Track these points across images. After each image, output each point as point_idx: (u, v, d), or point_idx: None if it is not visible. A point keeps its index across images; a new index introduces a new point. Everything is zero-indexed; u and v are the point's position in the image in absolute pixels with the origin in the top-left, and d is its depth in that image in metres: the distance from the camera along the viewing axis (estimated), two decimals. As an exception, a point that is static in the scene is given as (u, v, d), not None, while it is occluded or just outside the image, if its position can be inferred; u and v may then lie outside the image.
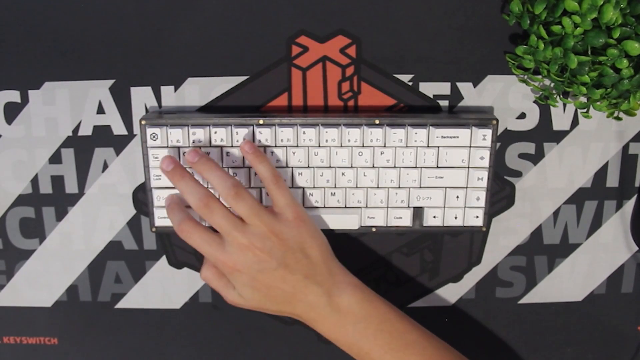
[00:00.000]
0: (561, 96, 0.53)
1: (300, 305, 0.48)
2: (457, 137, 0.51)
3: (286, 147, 0.52)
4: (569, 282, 0.60)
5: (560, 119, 0.55)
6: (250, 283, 0.47)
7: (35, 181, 0.56)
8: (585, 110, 0.52)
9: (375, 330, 0.48)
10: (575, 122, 0.55)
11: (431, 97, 0.54)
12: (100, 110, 0.55)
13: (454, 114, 0.54)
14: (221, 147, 0.52)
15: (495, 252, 0.58)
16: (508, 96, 0.54)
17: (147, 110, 0.55)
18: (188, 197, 0.47)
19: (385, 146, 0.52)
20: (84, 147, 0.55)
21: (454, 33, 0.53)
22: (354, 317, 0.48)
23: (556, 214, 0.57)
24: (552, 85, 0.51)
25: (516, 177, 0.56)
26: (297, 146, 0.52)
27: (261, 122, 0.51)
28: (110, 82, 0.54)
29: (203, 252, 0.47)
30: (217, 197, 0.48)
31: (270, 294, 0.48)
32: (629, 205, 0.58)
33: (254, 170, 0.52)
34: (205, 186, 0.49)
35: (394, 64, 0.54)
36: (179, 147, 0.51)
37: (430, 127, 0.51)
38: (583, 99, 0.52)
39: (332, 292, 0.48)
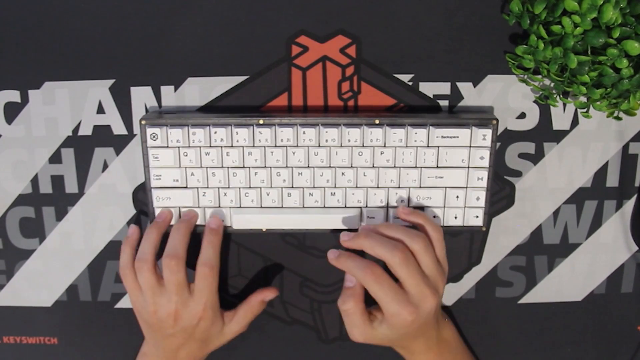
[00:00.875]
0: (561, 96, 0.53)
1: (419, 341, 0.51)
2: (457, 137, 0.51)
3: (286, 147, 0.52)
4: (569, 282, 0.60)
5: (560, 118, 0.55)
6: (408, 332, 0.49)
7: (35, 181, 0.56)
8: (585, 110, 0.52)
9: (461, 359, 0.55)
10: (575, 122, 0.55)
11: (431, 97, 0.54)
12: (100, 110, 0.55)
13: (454, 114, 0.54)
14: (221, 147, 0.52)
15: (495, 252, 0.58)
16: (508, 96, 0.54)
17: (147, 110, 0.55)
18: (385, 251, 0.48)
19: (385, 146, 0.52)
20: (84, 147, 0.55)
21: (454, 33, 0.53)
22: (449, 347, 0.54)
23: (556, 214, 0.57)
24: (552, 85, 0.51)
25: (516, 177, 0.56)
26: (297, 146, 0.52)
27: (261, 122, 0.51)
28: (110, 82, 0.54)
29: (381, 300, 0.48)
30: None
31: (409, 336, 0.50)
32: (629, 205, 0.58)
33: (254, 171, 0.52)
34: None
35: (394, 64, 0.54)
36: (179, 147, 0.52)
37: (430, 127, 0.51)
38: (583, 99, 0.52)
39: (440, 326, 0.53)
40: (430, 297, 0.48)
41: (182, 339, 0.52)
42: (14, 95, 0.55)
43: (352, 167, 0.52)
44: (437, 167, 0.52)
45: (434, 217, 0.54)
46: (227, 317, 0.55)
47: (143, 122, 0.51)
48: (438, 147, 0.52)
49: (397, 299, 0.47)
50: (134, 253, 0.52)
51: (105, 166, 0.56)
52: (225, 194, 0.53)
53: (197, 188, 0.53)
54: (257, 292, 0.56)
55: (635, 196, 0.57)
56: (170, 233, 0.52)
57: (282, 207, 0.53)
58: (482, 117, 0.52)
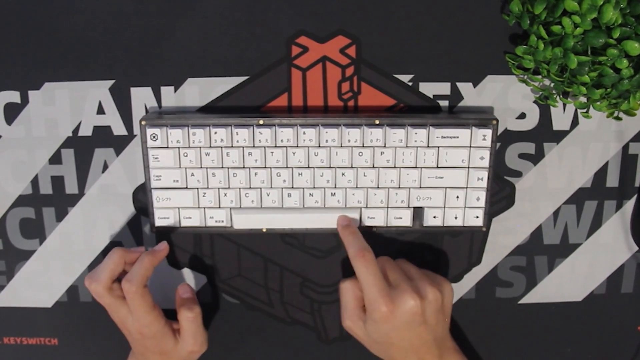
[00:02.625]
0: (561, 96, 0.53)
1: (411, 359, 0.51)
2: (457, 137, 0.51)
3: (286, 147, 0.52)
4: (569, 282, 0.60)
5: (560, 119, 0.55)
6: (390, 331, 0.49)
7: (35, 181, 0.56)
8: (585, 110, 0.52)
9: None
10: (575, 122, 0.55)
11: (431, 97, 0.54)
12: (100, 110, 0.55)
13: (454, 114, 0.54)
14: (221, 147, 0.52)
15: (495, 252, 0.58)
16: (508, 96, 0.54)
17: (147, 111, 0.55)
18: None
19: (385, 146, 0.52)
20: (84, 147, 0.55)
21: (454, 33, 0.53)
22: None
23: (556, 214, 0.57)
24: (552, 85, 0.51)
25: (516, 177, 0.56)
26: (297, 146, 0.52)
27: (261, 122, 0.51)
28: (110, 82, 0.54)
29: (364, 283, 0.49)
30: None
31: (395, 344, 0.50)
32: (629, 205, 0.58)
33: (254, 171, 0.52)
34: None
35: (394, 64, 0.54)
36: (179, 148, 0.52)
37: (430, 127, 0.51)
38: (583, 99, 0.52)
39: (443, 355, 0.51)
40: (411, 296, 0.48)
41: (141, 348, 0.53)
42: (14, 96, 0.55)
43: (352, 167, 0.52)
44: (437, 167, 0.52)
45: (434, 217, 0.54)
46: (177, 334, 0.54)
47: (143, 122, 0.51)
48: (438, 147, 0.52)
49: (377, 287, 0.48)
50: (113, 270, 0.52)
51: (105, 167, 0.56)
52: (225, 195, 0.53)
53: (197, 188, 0.53)
54: (180, 307, 0.54)
55: (635, 196, 0.57)
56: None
57: (282, 207, 0.53)
58: (482, 117, 0.52)
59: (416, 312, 0.48)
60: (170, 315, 0.59)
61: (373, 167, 0.52)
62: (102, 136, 0.55)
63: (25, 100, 0.54)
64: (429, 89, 0.54)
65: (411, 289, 0.48)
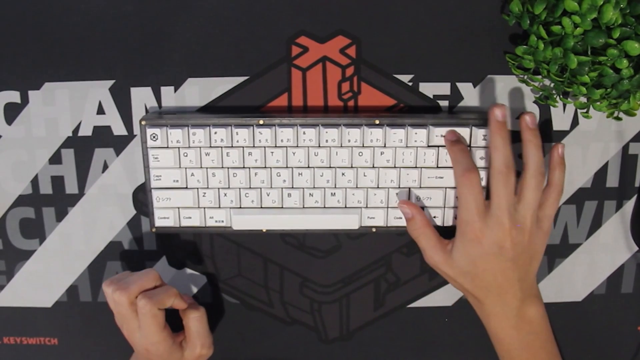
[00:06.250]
0: (561, 96, 0.53)
1: (492, 297, 0.50)
2: (457, 137, 0.51)
3: (286, 147, 0.52)
4: (569, 282, 0.60)
5: (560, 119, 0.55)
6: (477, 258, 0.49)
7: (35, 181, 0.56)
8: (585, 110, 0.52)
9: (539, 348, 0.51)
10: (575, 122, 0.55)
11: (431, 97, 0.54)
12: (100, 110, 0.55)
13: (453, 114, 0.54)
14: (221, 147, 0.52)
15: (495, 252, 0.58)
16: (508, 96, 0.54)
17: (147, 111, 0.55)
18: (496, 155, 0.48)
19: (385, 146, 0.52)
20: (84, 147, 0.55)
21: (454, 33, 0.53)
22: (531, 327, 0.50)
23: (556, 214, 0.57)
24: (552, 85, 0.51)
25: (516, 177, 0.56)
26: (297, 146, 0.52)
27: (261, 122, 0.51)
28: (110, 82, 0.54)
29: (462, 203, 0.48)
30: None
31: (479, 275, 0.49)
32: (629, 205, 0.58)
33: (254, 171, 0.52)
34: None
35: (394, 64, 0.54)
36: (179, 148, 0.52)
37: (430, 127, 0.51)
38: (583, 99, 0.52)
39: (525, 300, 0.50)
40: (504, 228, 0.47)
41: (145, 359, 0.53)
42: (14, 96, 0.55)
43: (352, 167, 0.52)
44: (437, 167, 0.52)
45: (434, 217, 0.54)
46: (183, 343, 0.54)
47: (143, 122, 0.51)
48: (438, 147, 0.52)
49: (475, 208, 0.48)
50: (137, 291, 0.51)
51: (105, 167, 0.56)
52: (225, 195, 0.53)
53: (197, 188, 0.53)
54: (185, 313, 0.54)
55: (635, 196, 0.57)
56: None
57: (282, 207, 0.53)
58: (482, 117, 0.52)
59: (503, 245, 0.48)
60: (170, 316, 0.59)
61: (373, 167, 0.52)
62: (102, 136, 0.55)
63: (25, 100, 0.55)
64: (429, 89, 0.54)
65: (507, 221, 0.47)
